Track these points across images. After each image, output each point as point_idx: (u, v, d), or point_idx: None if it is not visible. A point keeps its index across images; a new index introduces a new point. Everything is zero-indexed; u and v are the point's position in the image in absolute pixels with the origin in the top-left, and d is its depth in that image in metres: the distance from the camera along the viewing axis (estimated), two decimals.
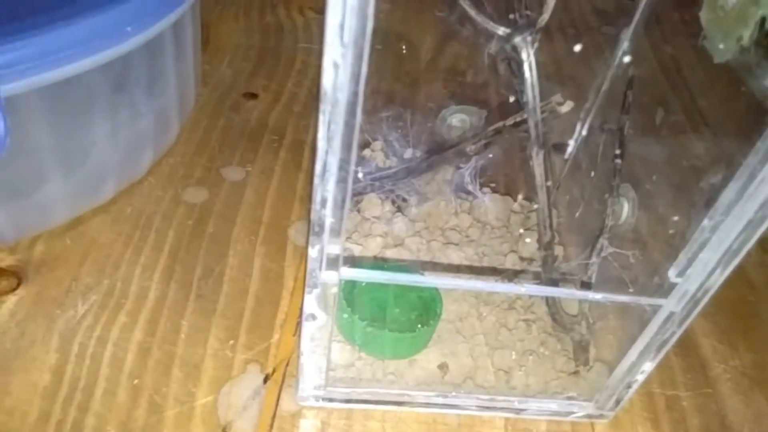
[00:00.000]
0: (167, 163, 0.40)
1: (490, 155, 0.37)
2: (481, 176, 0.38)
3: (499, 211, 0.38)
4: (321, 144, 0.19)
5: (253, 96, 0.47)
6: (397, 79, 0.46)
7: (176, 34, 0.35)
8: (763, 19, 0.22)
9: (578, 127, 0.26)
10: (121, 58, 0.30)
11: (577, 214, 0.37)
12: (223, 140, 0.43)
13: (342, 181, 0.20)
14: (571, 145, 0.26)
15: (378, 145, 0.39)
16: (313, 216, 0.21)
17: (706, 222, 0.23)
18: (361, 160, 0.38)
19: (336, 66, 0.17)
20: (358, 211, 0.37)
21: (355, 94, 0.18)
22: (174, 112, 0.38)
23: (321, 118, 0.19)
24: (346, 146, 0.19)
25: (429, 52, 0.46)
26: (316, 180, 0.20)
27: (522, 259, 0.36)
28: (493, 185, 0.40)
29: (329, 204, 0.21)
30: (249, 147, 0.43)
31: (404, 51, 0.41)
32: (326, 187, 0.20)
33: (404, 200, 0.37)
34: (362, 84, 0.18)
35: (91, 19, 0.28)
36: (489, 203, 0.38)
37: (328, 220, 0.22)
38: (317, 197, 0.21)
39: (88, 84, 0.29)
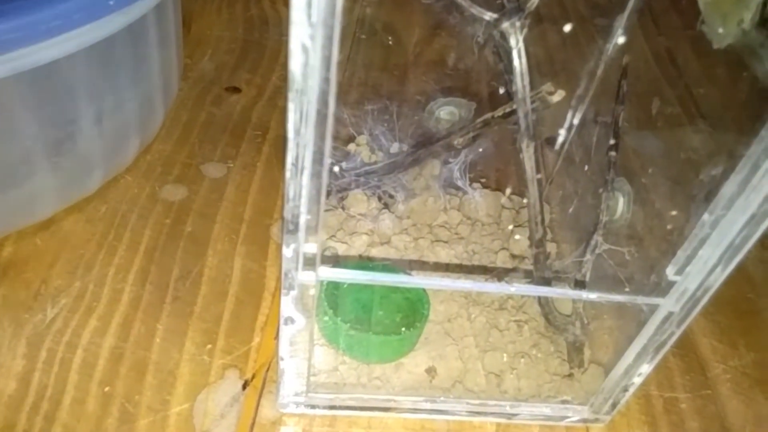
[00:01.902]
0: (144, 159, 0.39)
1: (480, 149, 0.35)
2: (471, 171, 0.37)
3: (489, 207, 0.37)
4: (291, 135, 0.18)
5: (236, 90, 0.46)
6: (382, 71, 0.44)
7: (159, 16, 0.33)
8: (765, 0, 0.21)
9: (569, 116, 0.25)
10: (104, 40, 0.29)
11: (571, 210, 0.35)
12: (203, 136, 0.41)
13: (316, 175, 0.19)
14: (562, 134, 0.25)
15: (363, 139, 0.38)
16: (287, 213, 0.20)
17: (706, 217, 0.21)
18: (346, 155, 0.36)
19: (305, 49, 0.16)
20: (343, 208, 0.35)
21: (326, 80, 0.17)
22: (158, 98, 0.37)
23: (290, 106, 0.17)
24: (320, 137, 0.18)
25: (415, 43, 0.45)
26: (288, 174, 0.19)
27: (513, 256, 0.35)
28: (483, 180, 0.39)
29: (303, 200, 0.20)
30: (231, 142, 0.41)
31: (390, 41, 0.40)
32: (300, 182, 0.19)
33: (391, 196, 0.36)
34: (334, 68, 0.16)
35: None
36: (479, 199, 0.37)
37: (303, 217, 0.20)
38: (290, 193, 0.19)
39: (72, 68, 0.28)
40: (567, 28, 0.24)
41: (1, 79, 0.25)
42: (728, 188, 0.21)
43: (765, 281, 0.39)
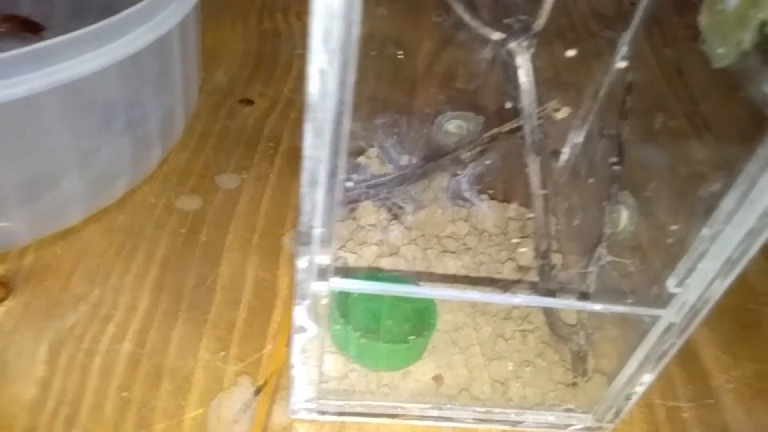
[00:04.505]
0: (161, 170, 0.40)
1: (488, 162, 0.36)
2: (479, 183, 0.38)
3: (497, 219, 0.38)
4: (308, 153, 0.19)
5: (249, 102, 0.47)
6: (393, 85, 0.45)
7: (182, 32, 0.35)
8: (763, 23, 0.22)
9: (571, 135, 0.26)
10: (132, 56, 0.30)
11: (576, 222, 0.36)
12: (218, 147, 0.42)
13: (331, 190, 0.20)
14: (566, 152, 0.25)
15: (373, 152, 0.39)
16: (301, 226, 0.21)
17: (705, 231, 0.22)
18: (356, 167, 0.37)
19: (322, 73, 0.17)
20: (353, 219, 0.36)
21: (342, 102, 0.18)
22: (180, 109, 0.38)
23: (307, 126, 0.18)
24: (334, 155, 0.19)
25: (425, 58, 0.46)
26: (304, 189, 0.20)
27: (520, 267, 0.35)
28: (491, 192, 0.40)
29: (318, 213, 0.20)
30: (244, 154, 0.42)
31: (400, 56, 0.41)
32: (314, 197, 0.20)
33: (400, 208, 0.37)
34: (350, 91, 0.17)
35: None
36: (487, 210, 0.38)
37: (318, 231, 0.21)
38: (305, 207, 0.20)
39: (102, 82, 0.29)
40: (570, 53, 0.25)
41: (37, 93, 0.26)
42: (727, 203, 0.21)
43: (767, 293, 0.39)
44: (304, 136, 0.18)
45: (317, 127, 0.18)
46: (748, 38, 0.22)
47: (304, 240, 0.21)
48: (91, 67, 0.28)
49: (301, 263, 0.22)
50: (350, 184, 0.34)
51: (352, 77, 0.17)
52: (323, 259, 0.22)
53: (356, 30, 0.16)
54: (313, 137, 0.18)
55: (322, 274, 0.22)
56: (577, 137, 0.26)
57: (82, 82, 0.27)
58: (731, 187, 0.21)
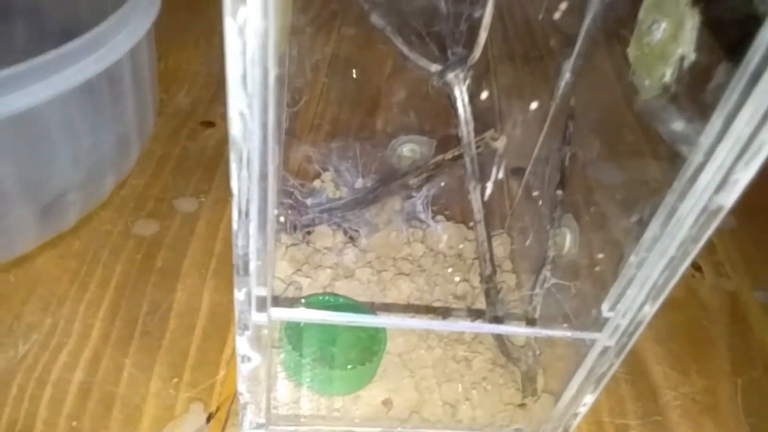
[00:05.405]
0: (118, 195, 0.40)
1: (442, 183, 0.37)
2: (435, 204, 0.38)
3: (451, 239, 0.38)
4: (235, 190, 0.19)
5: (211, 124, 0.47)
6: (348, 110, 0.46)
7: (134, 59, 0.35)
8: (682, 58, 0.23)
9: (494, 170, 0.26)
10: (81, 86, 0.30)
11: (527, 242, 0.37)
12: (177, 170, 0.43)
13: (263, 225, 0.20)
14: (489, 187, 0.26)
15: (328, 175, 0.39)
16: (236, 260, 0.21)
17: (632, 258, 0.23)
18: (312, 191, 0.38)
19: (242, 116, 0.17)
20: (308, 243, 0.36)
21: (265, 141, 0.18)
22: (134, 136, 0.38)
23: (233, 166, 0.18)
24: (263, 191, 0.19)
25: (380, 84, 0.47)
26: (235, 225, 0.20)
27: (472, 287, 0.36)
28: (447, 213, 0.40)
29: (252, 247, 0.21)
30: (204, 177, 0.43)
31: (355, 77, 0.41)
32: (247, 232, 0.20)
33: (355, 231, 0.37)
34: (272, 132, 0.18)
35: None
36: (441, 231, 0.38)
37: (253, 263, 0.21)
38: (239, 241, 0.21)
39: (50, 113, 0.30)
40: (483, 95, 0.26)
41: None
42: (650, 232, 0.22)
43: (719, 309, 0.40)
44: (230, 176, 0.19)
45: (243, 167, 0.19)
46: (669, 72, 0.23)
47: (240, 272, 0.22)
48: (38, 99, 0.28)
49: (240, 295, 0.22)
50: (282, 219, 0.34)
51: (273, 119, 0.18)
52: (261, 290, 0.22)
53: (273, 75, 0.17)
54: (239, 176, 0.19)
55: (261, 305, 0.23)
56: (497, 174, 0.27)
57: (28, 113, 0.28)
58: (653, 217, 0.22)
